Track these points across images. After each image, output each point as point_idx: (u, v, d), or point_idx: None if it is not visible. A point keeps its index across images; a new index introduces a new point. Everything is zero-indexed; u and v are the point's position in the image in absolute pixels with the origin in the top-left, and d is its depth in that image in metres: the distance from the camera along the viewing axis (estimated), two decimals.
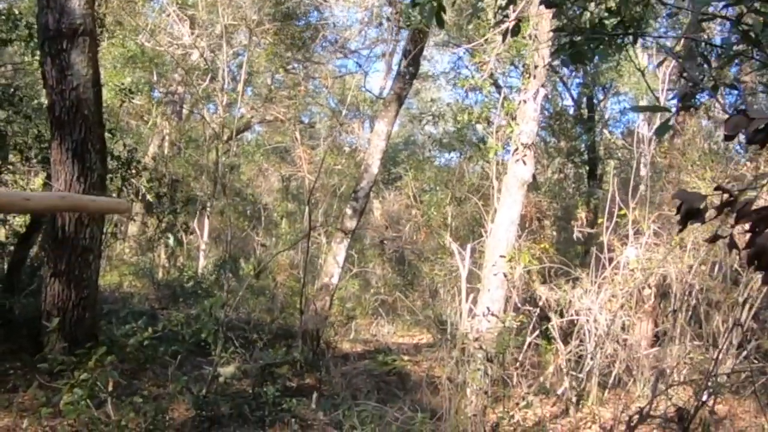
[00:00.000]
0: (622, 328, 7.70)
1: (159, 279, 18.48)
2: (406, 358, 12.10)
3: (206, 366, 7.91)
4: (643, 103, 15.74)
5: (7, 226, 9.64)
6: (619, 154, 18.89)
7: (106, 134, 7.87)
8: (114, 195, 9.19)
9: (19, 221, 11.97)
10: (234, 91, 20.47)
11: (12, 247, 8.75)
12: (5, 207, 3.61)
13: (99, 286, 16.31)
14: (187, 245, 22.81)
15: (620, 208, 8.32)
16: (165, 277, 18.80)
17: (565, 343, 7.48)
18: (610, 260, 7.91)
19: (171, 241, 22.95)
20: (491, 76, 8.68)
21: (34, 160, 7.90)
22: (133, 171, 8.42)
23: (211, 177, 22.69)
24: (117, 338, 8.77)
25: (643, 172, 11.35)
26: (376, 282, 18.97)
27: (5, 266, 8.96)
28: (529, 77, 7.33)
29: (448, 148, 21.03)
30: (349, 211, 10.16)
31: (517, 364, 7.36)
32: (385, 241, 18.10)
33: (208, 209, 22.17)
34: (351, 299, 16.50)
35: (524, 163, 7.17)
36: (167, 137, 22.90)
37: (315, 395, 7.58)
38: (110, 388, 4.81)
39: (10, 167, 7.91)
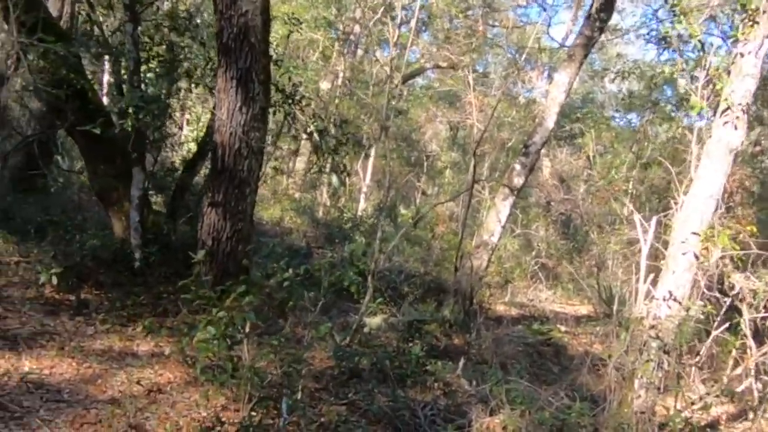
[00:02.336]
0: None
1: (319, 217, 18.73)
2: (563, 328, 11.29)
3: (352, 314, 7.62)
4: None
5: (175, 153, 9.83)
6: None
7: (272, 66, 7.62)
8: (274, 128, 9.02)
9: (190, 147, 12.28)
10: (409, 32, 19.93)
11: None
12: None
13: (260, 219, 16.84)
14: (350, 187, 23.00)
15: None
16: (324, 216, 19.02)
17: (759, 342, 6.40)
18: None
19: (334, 181, 23.27)
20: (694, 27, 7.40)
21: (202, 88, 7.80)
22: (297, 106, 8.12)
23: (378, 120, 22.57)
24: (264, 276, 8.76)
25: None
26: (538, 244, 18.01)
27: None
28: (752, 25, 6.13)
29: (633, 108, 19.37)
30: (517, 167, 9.38)
31: (697, 358, 6.41)
32: (552, 202, 17.05)
33: (372, 152, 22.13)
34: (510, 260, 15.75)
35: (735, 127, 6.05)
36: (340, 75, 22.91)
37: (462, 360, 7.06)
38: (247, 329, 4.52)
39: (179, 94, 7.85)
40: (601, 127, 16.74)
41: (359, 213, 19.82)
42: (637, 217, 7.06)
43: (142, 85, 6.91)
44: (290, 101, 8.04)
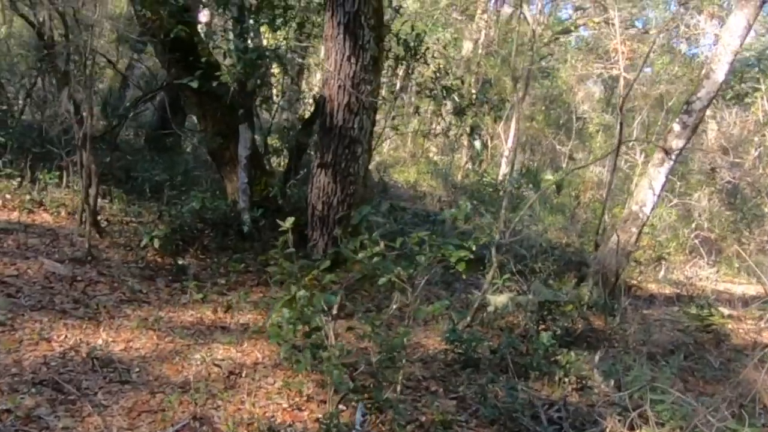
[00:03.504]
0: None
1: (457, 182, 17.89)
2: (726, 312, 9.84)
3: (477, 291, 6.77)
4: None
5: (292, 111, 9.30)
6: None
7: (394, 15, 6.84)
8: (396, 85, 8.23)
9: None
10: None
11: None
12: None
13: (395, 182, 16.24)
14: (492, 150, 21.93)
15: None
16: (462, 181, 18.14)
17: None
18: None
19: (477, 144, 22.28)
20: None
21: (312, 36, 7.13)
22: (421, 60, 7.27)
23: (523, 80, 21.19)
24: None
25: None
26: (700, 215, 16.18)
27: None
28: None
29: None
30: (677, 127, 8.02)
31: None
32: (716, 169, 15.15)
33: (514, 114, 20.86)
34: (666, 232, 14.18)
35: None
36: (483, 34, 21.69)
37: (600, 351, 6.06)
38: (334, 311, 3.85)
39: (285, 41, 7.22)
40: None
41: (500, 177, 18.80)
42: None
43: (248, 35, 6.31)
44: (412, 53, 7.21)
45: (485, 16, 21.07)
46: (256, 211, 6.62)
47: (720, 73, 7.80)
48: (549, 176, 17.37)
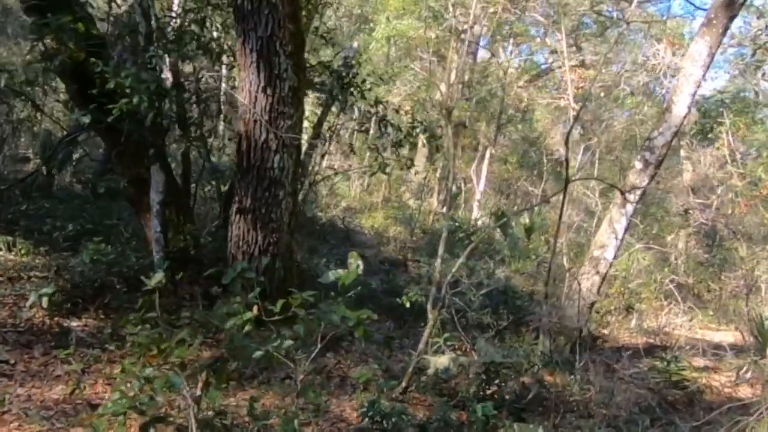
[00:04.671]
0: None
1: (427, 227, 17.23)
2: (701, 363, 9.15)
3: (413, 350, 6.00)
4: None
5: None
6: None
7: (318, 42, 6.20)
8: (330, 120, 7.57)
9: None
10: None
11: None
12: None
13: (360, 227, 15.54)
14: (465, 194, 21.36)
15: None
16: (432, 226, 17.48)
17: None
18: None
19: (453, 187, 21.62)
20: None
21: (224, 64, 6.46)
22: (356, 90, 6.61)
23: (495, 122, 20.74)
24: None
25: None
26: (675, 258, 15.54)
27: None
28: None
29: None
30: (638, 165, 7.40)
31: None
32: (690, 210, 14.56)
33: (487, 156, 20.36)
34: (641, 276, 13.50)
35: None
36: (456, 76, 21.14)
37: (553, 417, 5.32)
38: (198, 392, 3.10)
39: (188, 60, 6.46)
40: (748, 122, 13.83)
41: (473, 221, 18.17)
42: None
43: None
44: (340, 82, 6.54)
45: (455, 57, 20.63)
46: (163, 263, 5.86)
47: (682, 106, 7.21)
48: (524, 220, 16.63)
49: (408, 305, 6.23)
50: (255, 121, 5.45)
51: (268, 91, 5.35)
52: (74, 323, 5.37)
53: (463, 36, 20.81)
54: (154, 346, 3.24)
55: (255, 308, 3.25)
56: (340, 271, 3.65)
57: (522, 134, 24.85)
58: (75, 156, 11.07)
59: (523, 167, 22.83)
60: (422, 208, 18.51)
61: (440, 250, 5.80)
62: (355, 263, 3.59)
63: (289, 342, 3.17)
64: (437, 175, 20.83)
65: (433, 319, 5.46)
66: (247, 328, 3.16)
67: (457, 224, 17.50)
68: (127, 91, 5.08)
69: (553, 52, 23.21)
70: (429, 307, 5.58)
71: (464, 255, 5.79)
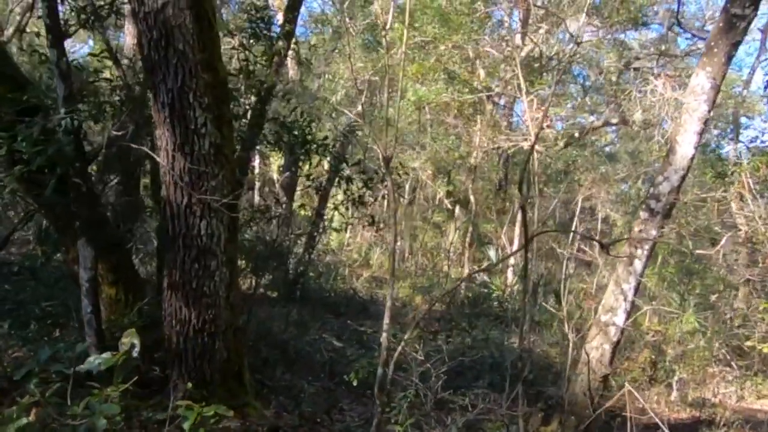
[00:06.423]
0: None
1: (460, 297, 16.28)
2: None
3: None
4: None
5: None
6: None
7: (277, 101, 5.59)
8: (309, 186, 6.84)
9: None
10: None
11: None
12: None
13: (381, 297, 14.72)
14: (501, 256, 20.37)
15: None
16: (464, 295, 16.50)
17: None
18: None
19: (491, 252, 20.81)
20: None
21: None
22: (312, 146, 5.91)
23: (526, 183, 19.80)
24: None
25: None
26: (731, 319, 14.12)
27: None
28: None
29: None
30: (643, 214, 6.47)
31: None
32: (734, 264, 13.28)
33: (518, 219, 19.39)
34: (685, 341, 12.19)
35: None
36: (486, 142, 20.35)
37: None
38: None
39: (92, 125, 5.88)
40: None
41: (508, 290, 17.15)
42: None
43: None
44: (301, 142, 5.89)
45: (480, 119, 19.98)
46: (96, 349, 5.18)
47: (688, 147, 6.31)
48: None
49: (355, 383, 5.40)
50: (175, 184, 4.83)
51: (186, 149, 4.72)
52: None
53: (495, 99, 20.30)
54: None
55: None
56: (106, 354, 2.91)
57: (564, 195, 23.94)
58: None
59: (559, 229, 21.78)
60: (449, 275, 17.58)
61: (385, 320, 4.97)
62: (129, 343, 2.84)
63: None
64: (467, 240, 19.97)
65: (381, 405, 4.59)
66: None
67: (487, 291, 16.60)
68: (24, 157, 4.54)
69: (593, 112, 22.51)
70: (376, 392, 4.71)
71: (409, 331, 4.92)
